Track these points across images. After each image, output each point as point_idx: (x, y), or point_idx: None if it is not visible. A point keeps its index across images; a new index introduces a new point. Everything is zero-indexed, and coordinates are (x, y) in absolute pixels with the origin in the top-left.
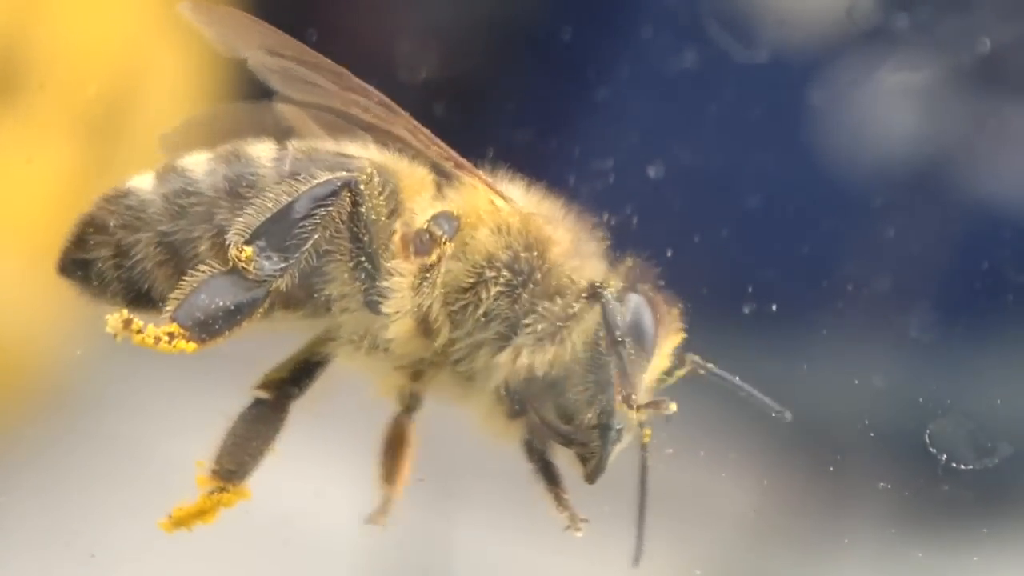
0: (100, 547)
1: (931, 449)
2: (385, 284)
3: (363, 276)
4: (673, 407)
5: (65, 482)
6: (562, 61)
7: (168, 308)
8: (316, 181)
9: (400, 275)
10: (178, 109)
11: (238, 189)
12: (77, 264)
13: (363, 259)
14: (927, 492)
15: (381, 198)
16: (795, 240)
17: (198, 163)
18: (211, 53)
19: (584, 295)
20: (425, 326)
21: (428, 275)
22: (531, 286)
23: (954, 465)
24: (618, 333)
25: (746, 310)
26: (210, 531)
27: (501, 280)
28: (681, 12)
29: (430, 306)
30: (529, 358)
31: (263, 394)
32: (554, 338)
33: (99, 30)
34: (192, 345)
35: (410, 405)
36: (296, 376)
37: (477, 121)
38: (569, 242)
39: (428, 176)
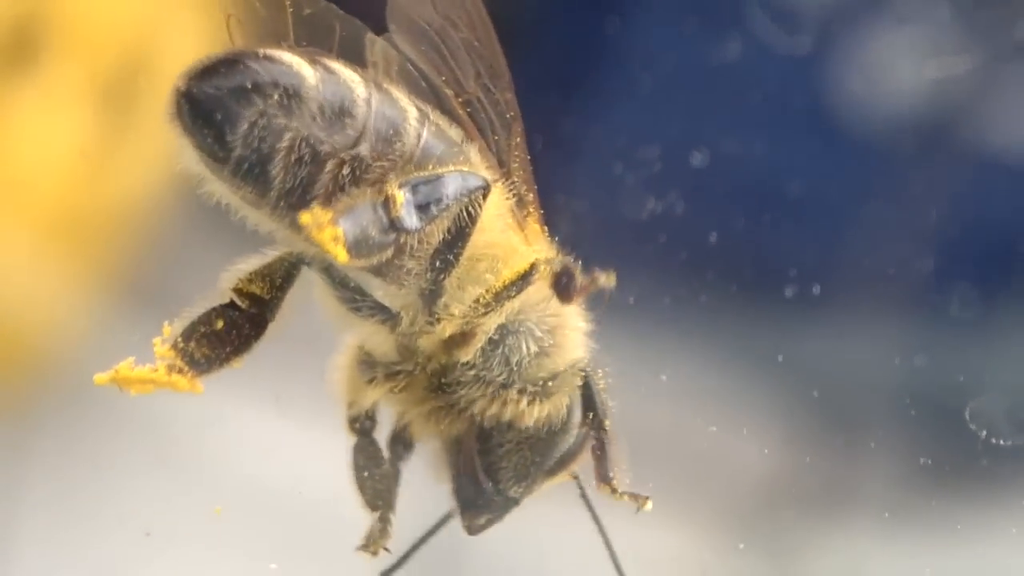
0: (156, 526)
1: (971, 425)
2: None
3: (446, 269)
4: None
5: (102, 460)
6: (608, 52)
7: (329, 213)
8: (465, 169)
9: (481, 286)
10: None
11: (387, 133)
12: (221, 116)
13: (454, 255)
14: (967, 467)
15: (493, 209)
16: (837, 223)
17: (357, 85)
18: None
19: (571, 370)
20: (460, 340)
21: (503, 302)
22: (551, 351)
23: (993, 441)
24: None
25: (788, 293)
26: (263, 510)
27: (535, 338)
28: (725, 2)
29: (480, 327)
30: (515, 411)
31: (240, 300)
32: (542, 402)
33: None
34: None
35: (363, 426)
36: (273, 299)
37: (525, 112)
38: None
39: (508, 201)
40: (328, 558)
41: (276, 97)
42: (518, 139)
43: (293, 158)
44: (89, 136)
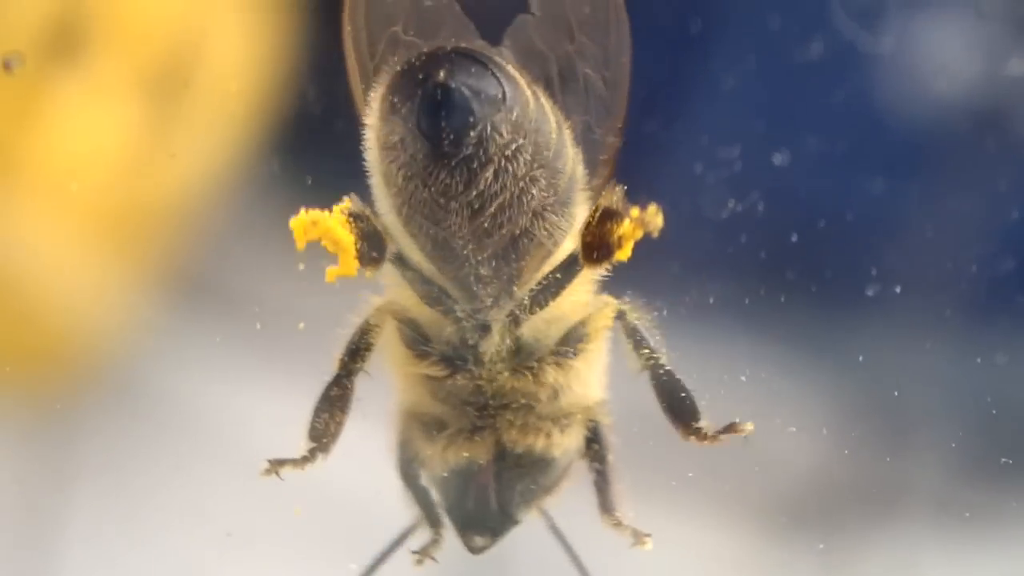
0: (229, 525)
1: None
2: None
3: (552, 291)
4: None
5: (156, 455)
6: (688, 52)
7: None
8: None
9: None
10: (241, 67)
11: (558, 165)
12: (470, 116)
13: (559, 286)
14: None
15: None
16: (918, 222)
17: (553, 116)
18: (273, 8)
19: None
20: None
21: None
22: (588, 385)
23: None
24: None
25: (870, 292)
26: (342, 512)
27: (580, 375)
28: (807, 2)
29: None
30: (546, 443)
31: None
32: (569, 434)
33: None
34: None
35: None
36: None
37: None
38: None
39: None
40: (404, 559)
41: (516, 111)
42: (600, 181)
43: (503, 169)
44: (135, 130)
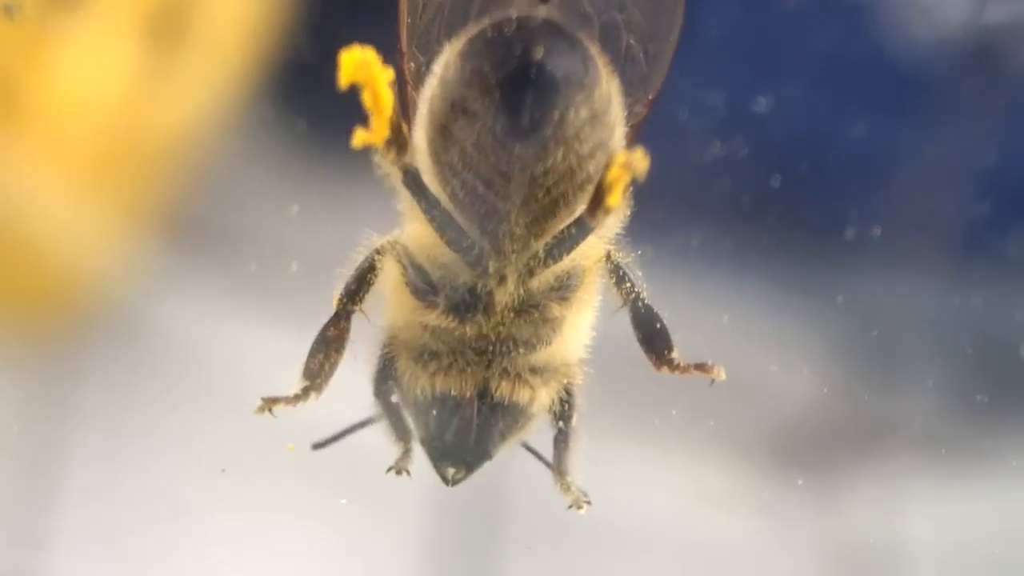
0: (222, 461)
1: None
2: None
3: (567, 244)
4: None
5: (152, 395)
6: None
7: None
8: None
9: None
10: (238, 12)
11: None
12: (555, 97)
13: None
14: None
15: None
16: (897, 166)
17: (615, 92)
18: None
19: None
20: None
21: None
22: (575, 341)
23: None
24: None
25: (849, 235)
26: (333, 448)
27: (573, 331)
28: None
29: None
30: (530, 395)
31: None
32: (550, 388)
33: None
34: None
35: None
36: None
37: None
38: None
39: None
40: (393, 493)
41: (595, 93)
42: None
43: (571, 148)
44: (134, 74)
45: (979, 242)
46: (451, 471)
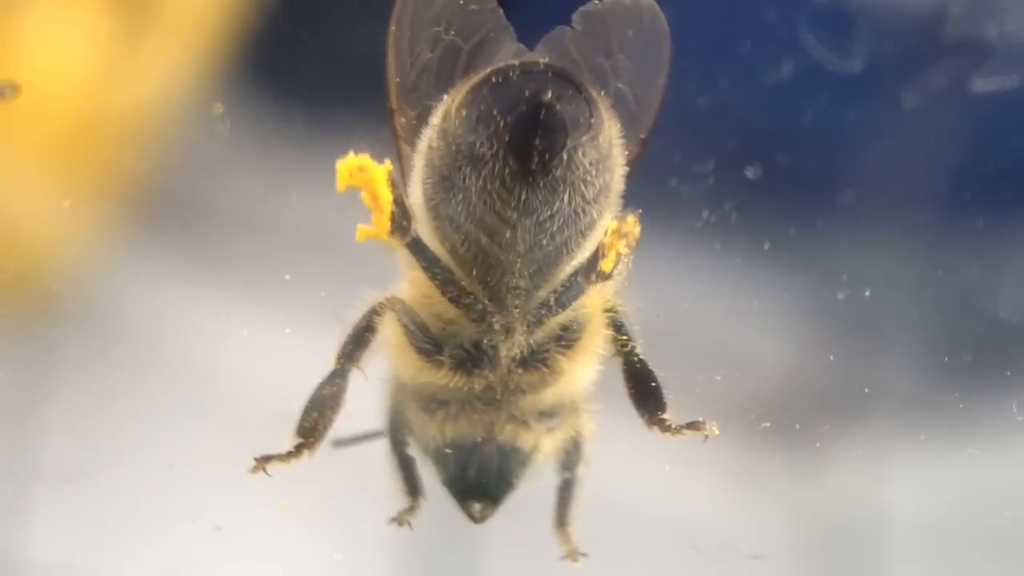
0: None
1: (1000, 314)
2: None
3: (573, 293)
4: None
5: (124, 385)
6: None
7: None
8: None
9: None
10: None
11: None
12: (562, 139)
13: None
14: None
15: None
16: (887, 133)
17: (616, 135)
18: None
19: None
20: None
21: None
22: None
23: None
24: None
25: (837, 200)
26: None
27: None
28: (778, 27)
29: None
30: (535, 441)
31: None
32: (555, 437)
33: None
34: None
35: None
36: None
37: None
38: None
39: None
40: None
41: (599, 137)
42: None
43: (577, 192)
44: (102, 47)
45: (966, 207)
46: (477, 507)
